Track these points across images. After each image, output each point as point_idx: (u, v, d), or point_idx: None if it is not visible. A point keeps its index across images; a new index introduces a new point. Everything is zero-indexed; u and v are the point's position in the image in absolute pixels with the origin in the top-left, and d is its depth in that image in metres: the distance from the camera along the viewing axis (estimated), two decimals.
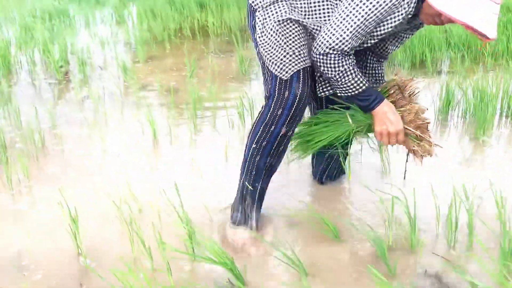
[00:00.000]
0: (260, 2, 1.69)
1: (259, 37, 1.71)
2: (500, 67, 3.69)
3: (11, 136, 2.72)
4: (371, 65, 1.96)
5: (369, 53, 1.94)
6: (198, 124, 2.85)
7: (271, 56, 1.70)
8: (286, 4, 1.68)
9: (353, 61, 1.63)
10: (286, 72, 1.70)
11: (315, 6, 1.71)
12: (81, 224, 1.76)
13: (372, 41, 1.70)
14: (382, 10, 1.55)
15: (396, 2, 1.54)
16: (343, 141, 1.80)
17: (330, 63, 1.61)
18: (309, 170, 2.23)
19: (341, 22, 1.58)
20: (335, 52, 1.59)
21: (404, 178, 2.09)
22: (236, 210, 1.80)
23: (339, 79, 1.63)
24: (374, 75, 1.99)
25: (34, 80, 3.87)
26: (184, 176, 2.23)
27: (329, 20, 1.69)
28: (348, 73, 1.62)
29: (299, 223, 1.85)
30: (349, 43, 1.58)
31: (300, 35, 1.69)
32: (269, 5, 1.68)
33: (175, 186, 1.79)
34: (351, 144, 1.97)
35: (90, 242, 1.75)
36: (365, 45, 1.72)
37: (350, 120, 1.76)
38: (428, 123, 1.71)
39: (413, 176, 2.12)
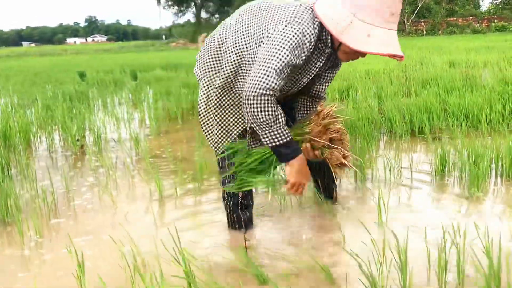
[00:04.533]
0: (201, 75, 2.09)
1: (199, 116, 2.13)
2: (497, 133, 3.81)
3: (26, 198, 2.87)
4: (307, 106, 2.22)
5: (304, 98, 2.19)
6: (203, 189, 2.97)
7: (207, 130, 2.14)
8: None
9: (282, 111, 1.78)
10: (217, 145, 2.13)
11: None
12: (87, 271, 1.84)
13: (303, 83, 1.95)
14: (294, 41, 1.74)
15: (305, 31, 1.75)
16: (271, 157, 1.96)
17: (261, 106, 1.72)
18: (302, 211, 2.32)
19: (263, 65, 1.73)
20: (265, 93, 1.70)
21: (334, 202, 2.18)
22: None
23: (267, 125, 1.75)
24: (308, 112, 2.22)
25: (52, 153, 4.09)
26: (186, 234, 2.33)
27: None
28: (277, 121, 1.76)
29: (298, 270, 1.90)
30: (276, 80, 1.71)
31: (230, 111, 2.05)
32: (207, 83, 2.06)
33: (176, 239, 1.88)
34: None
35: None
36: (299, 88, 1.99)
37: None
38: (343, 139, 1.95)
39: (404, 221, 2.18)
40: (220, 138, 2.11)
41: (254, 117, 1.75)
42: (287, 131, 1.80)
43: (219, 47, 2.00)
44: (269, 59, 1.73)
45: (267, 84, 1.70)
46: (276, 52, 1.73)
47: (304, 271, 1.88)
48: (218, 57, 2.01)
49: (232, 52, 1.94)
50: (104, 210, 2.70)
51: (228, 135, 2.10)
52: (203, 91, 2.08)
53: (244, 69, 1.94)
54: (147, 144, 4.18)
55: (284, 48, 1.73)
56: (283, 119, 1.78)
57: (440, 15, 35.26)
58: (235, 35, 1.95)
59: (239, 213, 2.24)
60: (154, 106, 6.07)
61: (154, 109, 5.85)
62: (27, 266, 2.08)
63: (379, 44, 1.68)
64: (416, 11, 35.27)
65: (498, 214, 2.35)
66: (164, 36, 58.06)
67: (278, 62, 1.72)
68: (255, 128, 1.82)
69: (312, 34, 1.77)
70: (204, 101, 2.09)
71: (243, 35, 1.92)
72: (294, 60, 1.75)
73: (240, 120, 2.07)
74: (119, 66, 13.51)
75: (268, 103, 1.72)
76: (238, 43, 1.93)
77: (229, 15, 2.22)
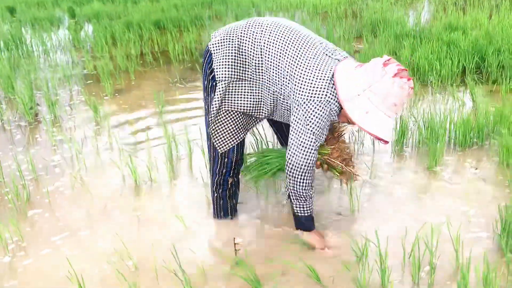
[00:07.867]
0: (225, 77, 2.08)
1: (211, 118, 2.15)
2: (447, 90, 4.03)
3: None
4: None
5: None
6: (175, 167, 3.02)
7: (215, 133, 2.19)
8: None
9: (313, 191, 2.13)
10: (224, 148, 2.23)
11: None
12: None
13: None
14: (324, 121, 1.97)
15: (327, 111, 1.95)
16: None
17: (304, 182, 2.06)
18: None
19: (302, 142, 1.99)
20: (309, 169, 2.03)
21: None
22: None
23: (303, 199, 2.10)
24: None
25: (4, 124, 3.89)
26: (167, 227, 2.41)
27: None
28: (308, 200, 2.11)
29: (288, 272, 2.06)
30: (314, 156, 2.02)
31: (242, 118, 2.17)
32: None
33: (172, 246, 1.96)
34: None
35: None
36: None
37: None
38: (351, 156, 2.24)
39: (380, 214, 2.38)
40: (229, 137, 2.21)
41: (292, 188, 2.09)
42: (312, 208, 2.16)
43: (240, 54, 2.07)
44: (306, 137, 1.98)
45: (310, 161, 2.01)
46: (310, 132, 1.97)
47: (291, 271, 2.05)
48: (241, 66, 2.08)
49: (261, 79, 2.08)
50: (80, 201, 2.70)
51: (239, 135, 2.23)
52: (220, 91, 2.10)
53: (267, 95, 2.10)
54: (104, 109, 4.07)
55: (315, 129, 1.97)
56: (312, 198, 2.13)
57: None
58: (268, 56, 2.03)
59: (226, 201, 2.41)
60: (100, 55, 5.80)
61: (101, 58, 5.58)
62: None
63: (373, 124, 1.88)
64: None
65: (457, 192, 2.59)
66: None
67: (315, 140, 1.99)
68: (290, 194, 2.14)
69: (336, 111, 1.98)
70: (219, 100, 2.12)
71: (275, 66, 2.03)
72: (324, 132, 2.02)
73: (251, 122, 2.23)
74: None
75: (309, 181, 2.06)
76: (272, 74, 2.04)
77: None
